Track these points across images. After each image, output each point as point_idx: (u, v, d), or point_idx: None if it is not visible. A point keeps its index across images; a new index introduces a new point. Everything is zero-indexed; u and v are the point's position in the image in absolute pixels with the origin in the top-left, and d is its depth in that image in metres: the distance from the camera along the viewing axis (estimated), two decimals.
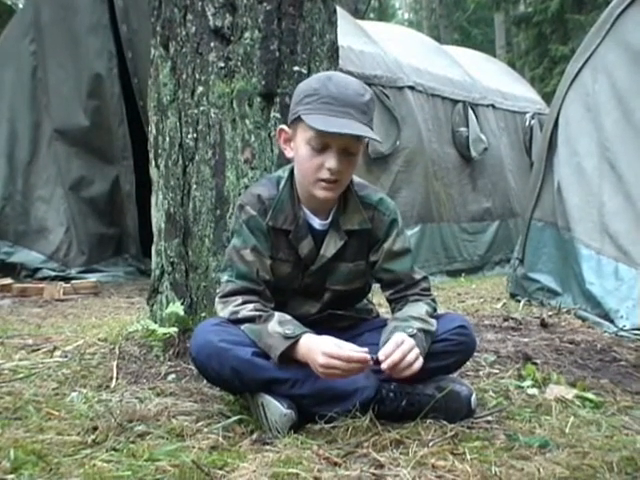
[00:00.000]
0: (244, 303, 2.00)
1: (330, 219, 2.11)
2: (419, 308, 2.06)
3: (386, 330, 2.02)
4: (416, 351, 1.86)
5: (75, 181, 6.78)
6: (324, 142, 1.94)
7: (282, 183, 2.10)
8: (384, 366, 1.83)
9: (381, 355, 1.84)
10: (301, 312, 2.13)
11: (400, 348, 1.84)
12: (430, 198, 7.05)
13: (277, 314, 1.96)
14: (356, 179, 2.20)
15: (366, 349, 1.83)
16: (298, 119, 1.98)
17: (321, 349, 1.82)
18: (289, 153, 2.09)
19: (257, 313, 1.96)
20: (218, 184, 2.62)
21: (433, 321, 2.05)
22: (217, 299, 2.07)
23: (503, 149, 8.38)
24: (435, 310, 2.12)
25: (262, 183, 2.18)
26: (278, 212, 2.07)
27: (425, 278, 2.17)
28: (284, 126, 2.11)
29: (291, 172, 2.12)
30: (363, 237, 2.13)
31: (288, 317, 1.96)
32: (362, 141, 2.03)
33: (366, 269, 2.16)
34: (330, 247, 2.10)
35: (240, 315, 1.97)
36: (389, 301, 2.18)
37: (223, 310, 2.02)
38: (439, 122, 7.41)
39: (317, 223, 2.11)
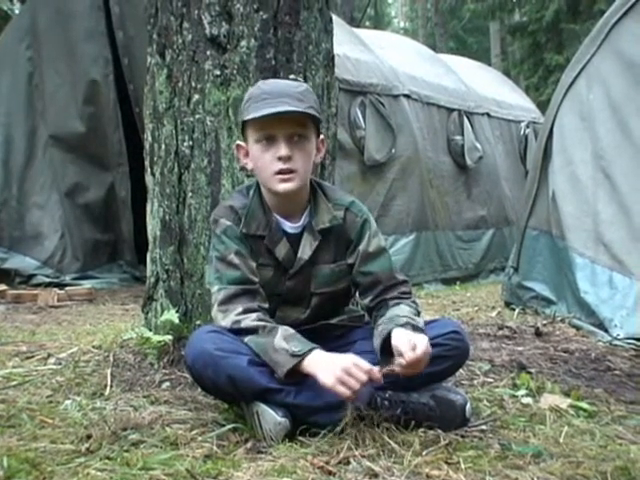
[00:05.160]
0: (245, 312, 1.99)
1: (302, 222, 2.14)
2: (401, 309, 2.05)
3: (376, 335, 2.02)
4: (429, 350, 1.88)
5: (70, 187, 6.79)
6: (269, 133, 2.01)
7: (251, 192, 2.15)
8: (409, 357, 1.83)
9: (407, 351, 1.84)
10: (291, 320, 2.14)
11: (420, 348, 1.85)
12: (425, 206, 7.06)
13: (281, 328, 1.95)
14: (327, 185, 2.26)
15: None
16: (244, 126, 2.08)
17: (342, 361, 1.83)
18: (249, 165, 2.14)
19: (260, 324, 1.96)
20: (214, 192, 2.62)
21: (419, 319, 2.05)
22: (215, 308, 2.05)
23: (498, 157, 8.40)
24: (418, 311, 2.10)
25: (232, 196, 2.24)
26: (250, 219, 2.10)
27: (405, 282, 2.17)
28: (240, 142, 2.17)
29: (258, 183, 2.16)
30: (338, 237, 2.15)
31: (292, 331, 1.95)
32: (310, 128, 2.07)
33: (348, 270, 2.17)
34: (306, 249, 2.12)
35: (243, 325, 1.97)
36: (369, 309, 2.16)
37: (224, 319, 2.00)
38: (434, 130, 7.44)
39: (289, 227, 2.14)
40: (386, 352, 1.94)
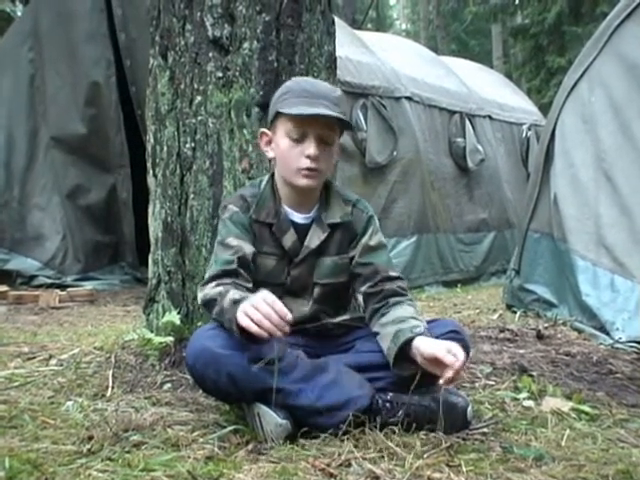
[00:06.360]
0: (217, 286, 1.99)
1: (312, 214, 2.19)
2: (406, 309, 2.07)
3: (386, 336, 2.01)
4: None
5: (72, 189, 6.79)
6: (302, 131, 2.06)
7: (263, 183, 2.21)
8: (456, 367, 1.81)
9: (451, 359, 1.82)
10: (295, 314, 2.14)
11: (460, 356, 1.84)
12: (427, 208, 7.06)
13: (234, 289, 1.94)
14: (335, 183, 2.32)
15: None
16: (276, 116, 2.11)
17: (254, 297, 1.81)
18: (270, 154, 2.19)
19: (219, 289, 1.95)
20: (216, 194, 2.62)
21: (423, 319, 2.07)
22: (198, 290, 2.08)
23: (500, 160, 8.39)
24: (417, 310, 2.12)
25: (244, 187, 2.33)
26: (261, 207, 2.15)
27: (402, 278, 2.19)
28: (265, 129, 2.21)
29: (272, 175, 2.22)
30: (344, 231, 2.19)
31: (246, 293, 1.91)
32: (337, 133, 2.14)
33: (349, 262, 2.20)
34: (314, 239, 2.16)
35: (208, 296, 1.97)
36: (366, 296, 2.15)
37: (199, 296, 2.04)
38: (436, 133, 7.43)
39: (298, 217, 2.18)
40: (403, 358, 1.95)
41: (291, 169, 2.09)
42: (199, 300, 2.05)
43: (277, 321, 1.76)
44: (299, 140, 2.06)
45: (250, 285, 2.05)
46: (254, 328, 1.76)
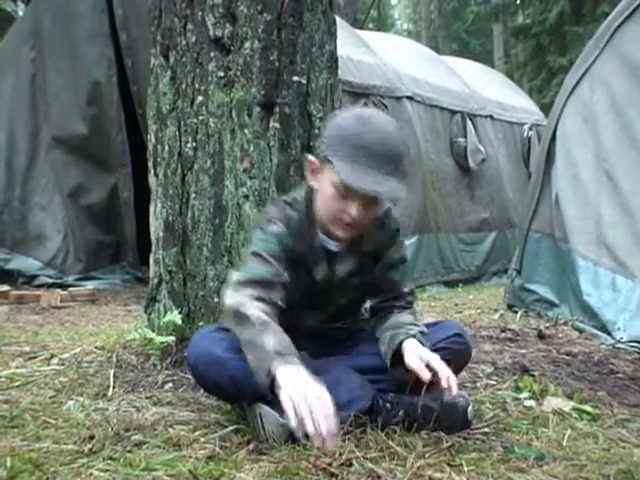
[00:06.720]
0: (255, 299, 1.89)
1: (347, 243, 2.08)
2: (406, 317, 2.10)
3: (383, 341, 2.04)
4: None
5: (73, 188, 6.79)
6: (349, 191, 1.90)
7: (300, 206, 2.07)
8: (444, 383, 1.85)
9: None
10: (305, 323, 2.14)
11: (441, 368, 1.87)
12: (428, 208, 7.06)
13: (274, 326, 1.85)
14: None
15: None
16: (328, 159, 1.93)
17: (312, 388, 1.70)
18: (313, 184, 2.04)
19: (260, 316, 1.84)
20: (217, 193, 2.62)
21: (421, 324, 2.09)
22: (228, 287, 1.97)
23: (501, 160, 8.39)
24: (416, 318, 2.15)
25: (284, 205, 2.11)
26: (295, 233, 2.04)
27: (412, 292, 2.21)
28: (312, 157, 2.05)
29: (309, 194, 2.07)
30: (373, 253, 2.15)
31: (286, 339, 1.83)
32: None
33: (370, 277, 2.17)
34: (344, 267, 2.11)
35: (244, 310, 1.85)
36: (376, 307, 2.19)
37: (232, 297, 1.91)
38: (437, 132, 7.43)
39: (332, 245, 2.07)
40: (398, 360, 1.96)
41: (330, 217, 1.98)
42: (227, 300, 1.92)
43: (322, 433, 1.63)
44: (345, 196, 1.91)
45: (284, 306, 1.95)
46: (292, 417, 1.64)
